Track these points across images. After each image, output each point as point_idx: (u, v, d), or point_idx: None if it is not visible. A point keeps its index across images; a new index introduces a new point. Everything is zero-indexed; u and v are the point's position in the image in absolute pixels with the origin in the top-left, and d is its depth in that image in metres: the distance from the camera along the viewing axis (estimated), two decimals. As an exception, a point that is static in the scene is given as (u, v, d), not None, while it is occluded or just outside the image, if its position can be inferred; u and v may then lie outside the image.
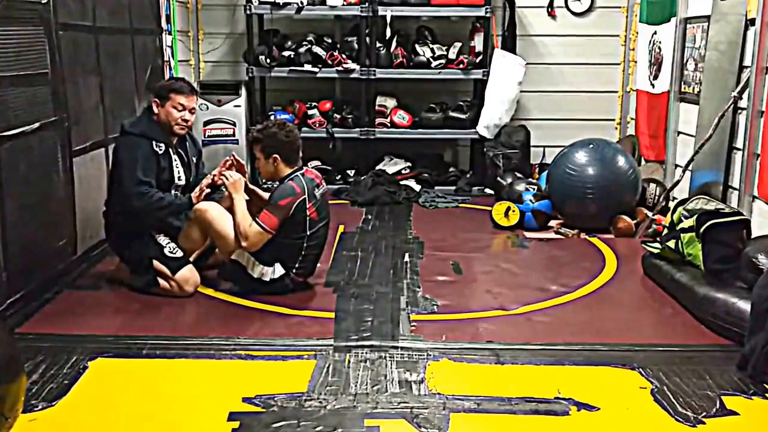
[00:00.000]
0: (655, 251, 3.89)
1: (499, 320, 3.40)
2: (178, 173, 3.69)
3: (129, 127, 3.62)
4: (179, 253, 3.63)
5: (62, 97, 3.74)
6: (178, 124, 3.62)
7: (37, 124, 3.48)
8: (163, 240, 3.64)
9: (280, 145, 3.56)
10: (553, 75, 6.36)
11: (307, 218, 3.54)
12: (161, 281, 3.59)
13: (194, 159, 3.84)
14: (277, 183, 3.62)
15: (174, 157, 3.68)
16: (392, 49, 5.98)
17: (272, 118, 5.49)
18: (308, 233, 3.56)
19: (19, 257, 3.33)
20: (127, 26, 4.70)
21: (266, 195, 3.71)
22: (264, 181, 3.88)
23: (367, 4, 5.83)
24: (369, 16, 5.85)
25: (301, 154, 3.68)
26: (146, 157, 3.53)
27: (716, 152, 4.48)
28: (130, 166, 3.50)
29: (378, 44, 5.94)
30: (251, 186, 3.78)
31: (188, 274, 3.62)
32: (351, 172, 6.17)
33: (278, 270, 3.57)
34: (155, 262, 3.57)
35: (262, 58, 5.92)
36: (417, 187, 5.98)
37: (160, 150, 3.59)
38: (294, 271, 3.60)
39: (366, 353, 2.98)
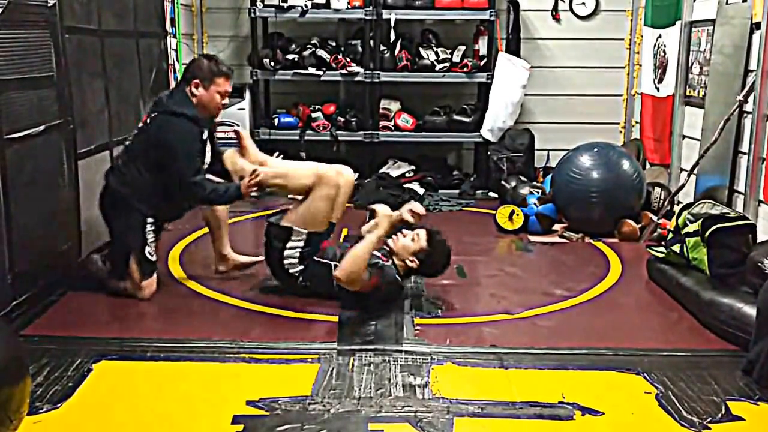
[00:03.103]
0: (660, 255, 3.88)
1: (503, 324, 3.40)
2: (205, 157, 3.64)
3: (178, 108, 3.47)
4: (155, 258, 3.61)
5: (67, 100, 3.75)
6: (219, 109, 3.58)
7: (42, 127, 3.49)
8: (149, 235, 3.57)
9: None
10: (557, 78, 6.36)
11: None
12: (128, 278, 3.56)
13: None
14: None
15: (207, 141, 3.64)
16: (396, 53, 5.98)
17: None
18: None
19: (24, 259, 3.34)
20: (132, 29, 4.71)
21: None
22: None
23: (371, 8, 5.83)
24: (373, 20, 5.86)
25: None
26: (195, 142, 3.48)
27: (721, 156, 4.47)
28: (187, 155, 3.42)
29: (382, 47, 5.94)
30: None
31: (153, 281, 3.61)
32: (354, 176, 6.16)
33: None
34: (131, 259, 3.53)
35: (266, 61, 5.93)
36: (421, 191, 5.98)
37: (204, 136, 3.56)
38: None
39: (370, 357, 2.98)
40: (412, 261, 3.55)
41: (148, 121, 3.58)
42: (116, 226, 3.61)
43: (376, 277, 3.37)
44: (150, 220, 3.59)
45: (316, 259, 3.51)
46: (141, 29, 4.83)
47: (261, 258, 3.80)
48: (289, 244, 3.51)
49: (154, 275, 3.63)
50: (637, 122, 6.22)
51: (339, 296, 3.49)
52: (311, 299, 3.63)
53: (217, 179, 3.61)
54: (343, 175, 3.61)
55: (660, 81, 5.64)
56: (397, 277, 3.50)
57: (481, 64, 6.04)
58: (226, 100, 3.59)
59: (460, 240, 4.80)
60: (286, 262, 3.53)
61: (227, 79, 3.55)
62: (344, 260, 3.29)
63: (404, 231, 3.51)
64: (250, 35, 6.02)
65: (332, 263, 3.44)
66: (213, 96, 3.51)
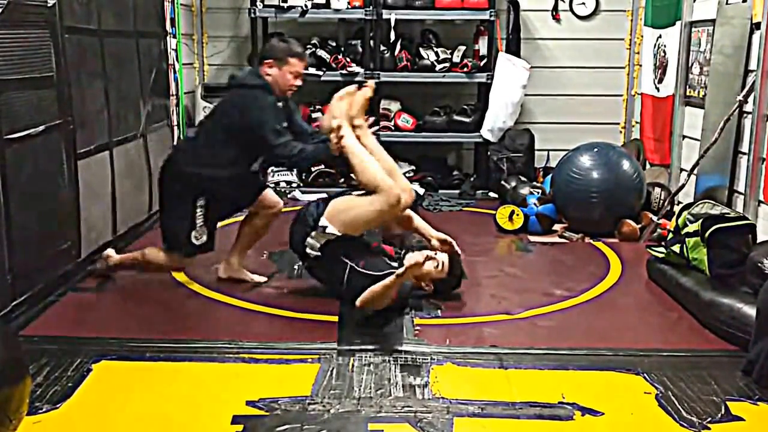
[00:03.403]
0: (660, 256, 3.88)
1: (503, 324, 3.40)
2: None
3: (251, 81, 3.56)
4: (201, 241, 3.62)
5: (67, 100, 3.75)
6: (291, 89, 3.60)
7: (42, 127, 3.49)
8: (198, 220, 3.60)
9: None
10: (557, 78, 6.36)
11: None
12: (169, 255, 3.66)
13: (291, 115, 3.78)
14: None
15: (284, 115, 3.66)
16: (396, 53, 5.98)
17: None
18: None
19: (24, 259, 3.34)
20: (132, 30, 4.71)
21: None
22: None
23: (371, 8, 5.83)
24: (373, 20, 5.86)
25: None
26: (275, 108, 3.52)
27: (722, 156, 4.47)
28: (268, 120, 3.46)
29: (382, 47, 5.94)
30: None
31: (189, 262, 3.70)
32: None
33: None
34: (177, 238, 3.59)
35: (266, 61, 5.93)
36: (421, 191, 5.97)
37: (280, 105, 3.59)
38: None
39: (370, 357, 2.98)
40: (428, 285, 3.58)
41: (225, 98, 3.65)
42: (169, 204, 3.65)
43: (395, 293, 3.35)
44: (201, 203, 3.59)
45: (338, 255, 3.44)
46: (141, 29, 4.83)
47: (263, 280, 3.86)
48: (316, 233, 3.45)
49: (193, 258, 3.69)
50: (637, 122, 6.21)
51: (340, 298, 3.49)
52: (311, 299, 3.63)
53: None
54: (405, 198, 3.49)
55: (660, 81, 5.64)
56: (409, 287, 3.50)
57: (481, 64, 6.04)
58: (299, 81, 3.61)
59: (460, 240, 4.80)
60: (309, 241, 3.46)
61: (301, 60, 3.59)
62: (365, 294, 3.24)
63: (428, 254, 3.44)
64: (250, 35, 6.02)
65: (350, 264, 3.41)
66: (285, 75, 3.55)
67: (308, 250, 3.47)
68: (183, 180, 3.59)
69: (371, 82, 3.79)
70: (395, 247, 3.79)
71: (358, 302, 3.26)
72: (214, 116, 3.69)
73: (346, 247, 3.45)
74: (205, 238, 3.66)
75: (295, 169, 3.61)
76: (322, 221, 3.43)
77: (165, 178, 3.68)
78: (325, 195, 3.70)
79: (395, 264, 3.45)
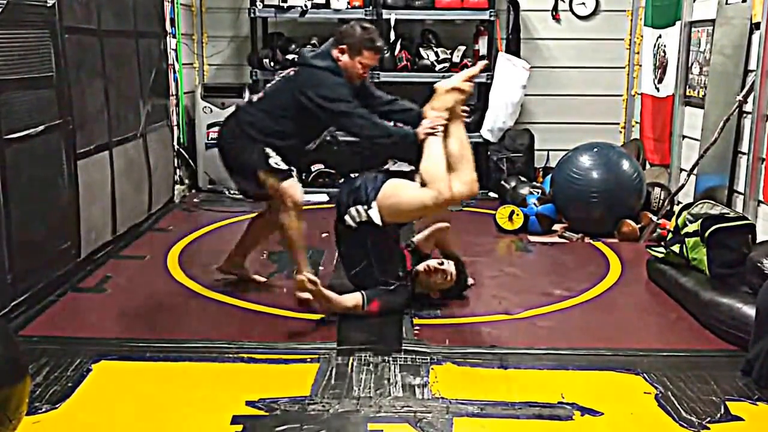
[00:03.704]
0: (660, 256, 3.88)
1: (502, 324, 3.40)
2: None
3: (320, 62, 3.48)
4: (283, 166, 3.50)
5: (67, 100, 3.75)
6: (360, 78, 3.52)
7: (41, 127, 3.49)
8: (271, 153, 3.49)
9: None
10: (557, 78, 6.36)
11: None
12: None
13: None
14: None
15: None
16: (396, 53, 5.98)
17: None
18: None
19: (24, 259, 3.34)
20: (131, 29, 4.71)
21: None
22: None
23: (371, 8, 5.84)
24: (373, 20, 5.85)
25: None
26: (347, 87, 3.45)
27: (721, 156, 4.47)
28: (339, 93, 3.40)
29: (382, 47, 5.94)
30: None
31: (294, 182, 3.51)
32: (355, 176, 6.16)
33: None
34: (260, 173, 3.48)
35: (266, 61, 5.93)
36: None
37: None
38: None
39: (369, 357, 2.98)
40: (435, 294, 3.58)
41: (292, 73, 3.59)
42: (237, 155, 3.54)
43: (378, 302, 3.37)
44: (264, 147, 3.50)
45: (365, 242, 3.41)
46: (141, 29, 4.83)
47: (263, 280, 3.87)
48: (363, 208, 3.39)
49: (293, 179, 3.52)
50: (637, 122, 6.21)
51: (354, 282, 3.49)
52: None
53: None
54: (460, 190, 3.38)
55: (660, 81, 5.64)
56: (407, 300, 3.51)
57: (481, 64, 6.03)
58: (368, 72, 3.55)
59: (460, 240, 4.80)
60: (352, 211, 3.38)
61: (375, 54, 3.51)
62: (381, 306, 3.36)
63: (435, 266, 3.47)
64: (250, 35, 6.03)
65: (367, 260, 3.40)
66: (355, 65, 3.47)
67: (347, 218, 3.40)
68: (245, 137, 3.52)
69: (481, 63, 3.74)
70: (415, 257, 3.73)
71: (366, 308, 3.32)
72: (279, 90, 3.58)
73: (375, 239, 3.40)
74: (283, 164, 3.50)
75: (370, 146, 3.49)
76: (373, 204, 3.35)
77: (227, 135, 3.58)
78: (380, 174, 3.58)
79: (401, 277, 3.50)
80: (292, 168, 3.55)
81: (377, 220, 3.34)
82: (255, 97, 3.65)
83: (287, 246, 3.66)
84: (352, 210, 3.39)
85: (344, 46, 3.47)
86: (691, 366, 2.94)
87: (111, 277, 3.89)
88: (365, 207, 3.35)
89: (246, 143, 3.52)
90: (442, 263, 3.55)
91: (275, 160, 3.49)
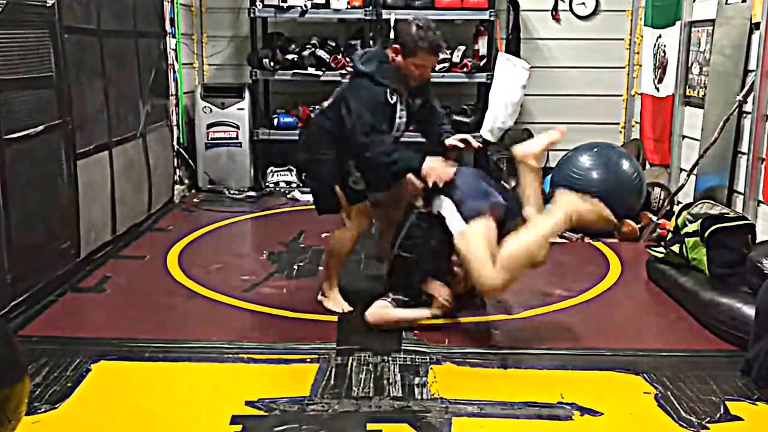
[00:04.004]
0: (660, 256, 3.88)
1: (502, 324, 3.40)
2: (399, 125, 3.37)
3: (365, 67, 3.27)
4: (360, 186, 3.35)
5: (66, 100, 3.75)
6: (415, 80, 3.30)
7: (41, 127, 3.49)
8: (352, 169, 3.34)
9: None
10: (557, 78, 6.35)
11: None
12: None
13: (421, 103, 3.47)
14: None
15: (401, 107, 3.34)
16: (396, 53, 5.97)
17: None
18: None
19: (23, 259, 3.34)
20: (131, 29, 4.71)
21: None
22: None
23: (371, 8, 5.83)
24: (373, 20, 5.85)
25: None
26: (378, 104, 3.21)
27: (721, 156, 4.47)
28: (362, 111, 3.18)
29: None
30: None
31: (365, 206, 3.40)
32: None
33: None
34: (336, 188, 3.35)
35: (266, 61, 5.93)
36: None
37: (392, 100, 3.27)
38: None
39: (369, 357, 2.98)
40: (447, 302, 3.33)
41: (347, 78, 3.50)
42: (316, 166, 3.42)
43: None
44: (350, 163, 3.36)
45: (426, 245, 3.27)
46: (140, 29, 4.83)
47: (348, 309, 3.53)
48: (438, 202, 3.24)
49: (363, 203, 3.40)
50: (637, 122, 6.21)
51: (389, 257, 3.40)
52: (310, 299, 3.63)
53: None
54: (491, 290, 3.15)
55: (660, 81, 5.64)
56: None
57: (481, 64, 6.03)
58: (427, 73, 3.31)
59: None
60: (438, 204, 3.25)
61: (430, 55, 3.25)
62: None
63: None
64: (250, 35, 6.02)
65: (410, 259, 3.29)
66: (409, 66, 3.24)
67: (434, 209, 3.24)
68: (323, 146, 3.39)
69: (561, 129, 3.60)
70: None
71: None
72: (336, 97, 3.41)
73: (429, 245, 3.25)
74: (361, 184, 3.36)
75: (379, 175, 3.37)
76: (461, 224, 3.12)
77: (307, 141, 3.46)
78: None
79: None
80: (369, 190, 3.40)
81: (453, 231, 3.16)
82: (325, 104, 3.49)
83: (327, 256, 3.58)
84: (438, 204, 3.21)
85: (398, 46, 3.26)
86: (691, 366, 2.94)
87: (110, 277, 3.89)
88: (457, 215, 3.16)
89: (325, 154, 3.37)
90: (456, 267, 3.45)
91: (354, 178, 3.35)
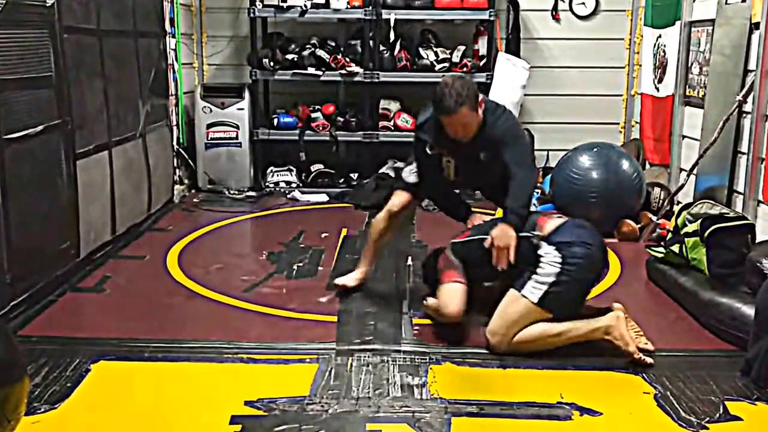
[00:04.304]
0: (660, 256, 3.88)
1: (502, 324, 3.39)
2: (446, 172, 3.49)
3: (420, 121, 3.49)
4: (412, 179, 3.62)
5: (66, 100, 3.75)
6: (455, 135, 3.27)
7: (40, 127, 3.49)
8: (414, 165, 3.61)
9: None
10: (557, 78, 6.35)
11: None
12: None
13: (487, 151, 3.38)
14: None
15: (446, 159, 3.44)
16: (396, 53, 5.98)
17: None
18: None
19: (23, 259, 3.34)
20: (131, 29, 4.71)
21: None
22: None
23: (370, 8, 5.83)
24: (373, 20, 5.85)
25: None
26: (417, 149, 3.51)
27: (721, 156, 4.47)
28: (414, 145, 3.52)
29: (381, 47, 5.94)
30: None
31: (398, 195, 3.66)
32: (354, 176, 6.17)
33: None
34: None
35: (265, 61, 5.93)
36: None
37: (431, 151, 3.40)
38: None
39: (368, 357, 2.98)
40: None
41: None
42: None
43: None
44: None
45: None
46: (140, 29, 4.83)
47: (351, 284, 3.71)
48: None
49: (401, 192, 3.65)
50: (636, 122, 6.21)
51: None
52: (310, 299, 3.63)
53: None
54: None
55: (660, 81, 5.64)
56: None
57: (481, 64, 6.03)
58: (460, 128, 3.25)
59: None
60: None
61: (448, 116, 3.20)
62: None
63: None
64: (250, 35, 6.02)
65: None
66: (447, 127, 3.26)
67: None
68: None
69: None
70: None
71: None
72: None
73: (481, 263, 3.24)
74: (413, 177, 3.60)
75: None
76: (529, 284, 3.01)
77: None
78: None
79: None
80: (415, 183, 3.62)
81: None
82: None
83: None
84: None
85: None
86: (691, 366, 2.94)
87: (110, 277, 3.89)
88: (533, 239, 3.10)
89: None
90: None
91: (410, 170, 3.63)
